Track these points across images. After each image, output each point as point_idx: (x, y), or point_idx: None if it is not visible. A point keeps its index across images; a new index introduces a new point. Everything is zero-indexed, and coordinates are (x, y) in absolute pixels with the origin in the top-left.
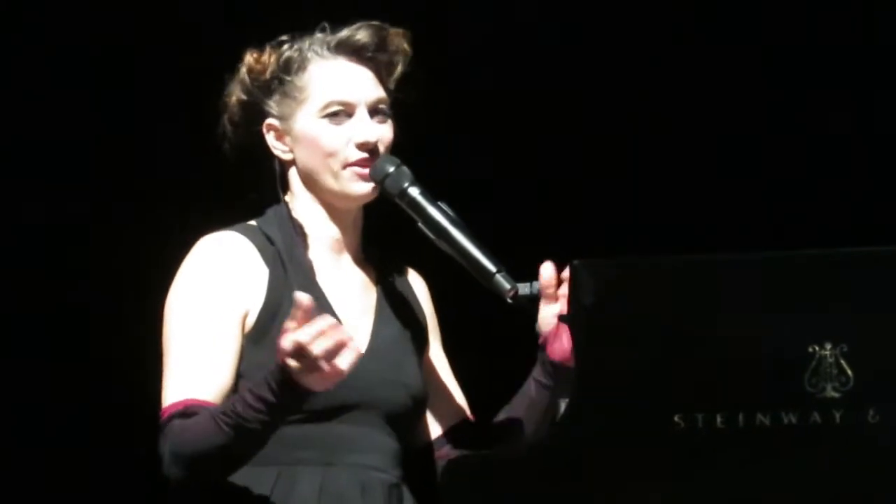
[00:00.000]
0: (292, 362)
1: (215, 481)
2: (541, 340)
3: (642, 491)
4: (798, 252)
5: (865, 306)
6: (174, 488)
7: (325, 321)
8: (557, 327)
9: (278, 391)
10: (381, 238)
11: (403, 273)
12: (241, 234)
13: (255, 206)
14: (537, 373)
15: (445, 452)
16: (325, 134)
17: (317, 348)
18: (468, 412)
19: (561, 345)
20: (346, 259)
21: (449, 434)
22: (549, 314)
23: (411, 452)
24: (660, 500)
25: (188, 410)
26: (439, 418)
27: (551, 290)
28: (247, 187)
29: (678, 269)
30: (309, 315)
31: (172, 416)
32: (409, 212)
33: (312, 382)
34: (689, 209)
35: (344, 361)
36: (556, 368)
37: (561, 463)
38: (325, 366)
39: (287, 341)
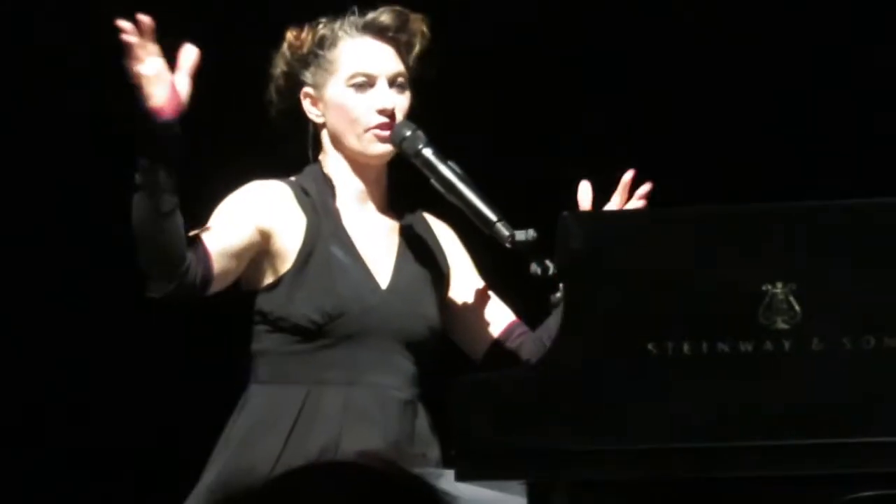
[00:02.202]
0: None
1: (251, 397)
2: None
3: (623, 409)
4: (756, 204)
5: (812, 252)
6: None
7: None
8: None
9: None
10: (411, 193)
11: (426, 221)
12: (282, 182)
13: (296, 164)
14: None
15: (516, 339)
16: (351, 100)
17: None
18: (511, 315)
19: None
20: (371, 208)
21: (510, 328)
22: None
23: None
24: (637, 418)
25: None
26: (496, 322)
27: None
28: (290, 147)
29: (654, 219)
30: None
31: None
32: (423, 170)
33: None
34: (671, 164)
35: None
36: None
37: (552, 385)
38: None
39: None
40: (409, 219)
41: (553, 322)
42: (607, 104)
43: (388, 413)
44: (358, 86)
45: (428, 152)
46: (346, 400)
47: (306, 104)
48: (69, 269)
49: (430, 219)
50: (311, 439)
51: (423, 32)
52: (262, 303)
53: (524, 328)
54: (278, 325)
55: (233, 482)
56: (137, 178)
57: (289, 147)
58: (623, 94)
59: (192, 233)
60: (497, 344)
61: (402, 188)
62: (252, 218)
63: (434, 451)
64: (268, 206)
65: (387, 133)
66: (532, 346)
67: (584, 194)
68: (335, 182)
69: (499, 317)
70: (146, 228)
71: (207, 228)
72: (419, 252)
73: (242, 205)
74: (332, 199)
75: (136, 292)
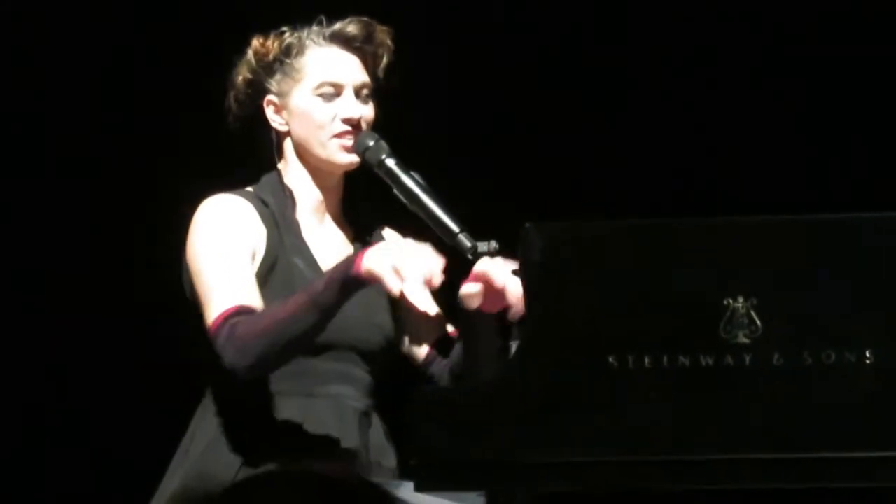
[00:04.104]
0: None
1: (209, 408)
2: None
3: (583, 422)
4: (718, 218)
5: (773, 266)
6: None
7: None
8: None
9: (352, 284)
10: (364, 203)
11: (378, 230)
12: (241, 197)
13: (252, 174)
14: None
15: (434, 363)
16: (317, 109)
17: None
18: (450, 327)
19: None
20: (328, 218)
21: (435, 348)
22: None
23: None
24: (598, 430)
25: (242, 310)
26: (426, 336)
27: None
28: (247, 156)
29: (616, 232)
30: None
31: (228, 318)
32: (386, 179)
33: (376, 264)
34: (641, 174)
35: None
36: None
37: (512, 396)
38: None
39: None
40: (363, 230)
41: (456, 354)
42: (567, 116)
43: (345, 423)
44: (324, 95)
45: (391, 162)
46: (304, 411)
47: (269, 112)
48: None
49: (385, 231)
50: (271, 448)
51: (388, 45)
52: None
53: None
54: None
55: (194, 490)
56: (323, 298)
57: (248, 155)
58: (584, 103)
59: (232, 309)
60: (429, 358)
61: (363, 197)
62: (244, 245)
63: (390, 461)
64: (245, 226)
65: (351, 143)
66: (446, 371)
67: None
68: (295, 192)
69: (434, 326)
70: (302, 342)
71: (238, 292)
72: None
73: (229, 235)
74: (292, 210)
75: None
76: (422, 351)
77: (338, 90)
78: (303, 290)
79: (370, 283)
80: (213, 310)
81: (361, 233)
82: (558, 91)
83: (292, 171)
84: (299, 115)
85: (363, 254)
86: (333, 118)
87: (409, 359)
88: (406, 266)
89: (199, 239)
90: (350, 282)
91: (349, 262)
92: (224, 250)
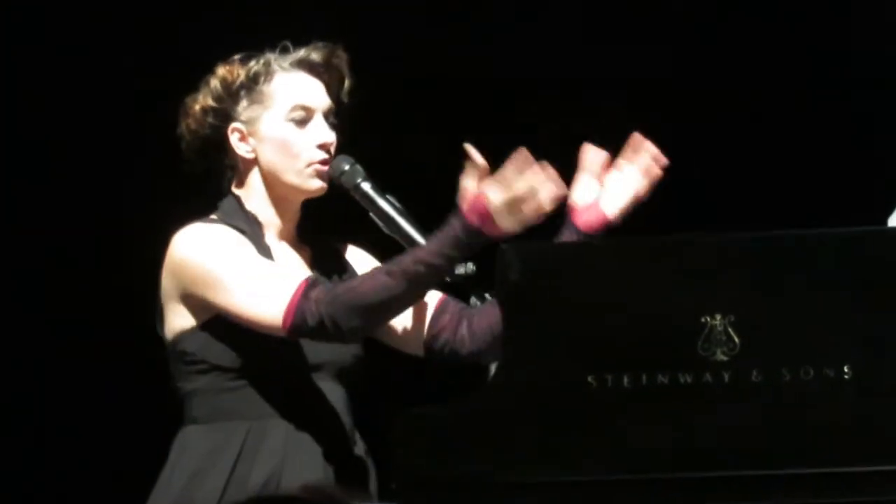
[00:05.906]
0: (496, 199)
1: (189, 438)
2: (571, 209)
3: (562, 441)
4: (694, 235)
5: (750, 284)
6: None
7: (522, 156)
8: (593, 203)
9: (466, 241)
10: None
11: (333, 247)
12: (218, 224)
13: (208, 201)
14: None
15: (440, 336)
16: (291, 135)
17: (523, 185)
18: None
19: (590, 216)
20: (286, 243)
21: (437, 313)
22: (586, 188)
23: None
24: (578, 449)
25: (315, 281)
26: (422, 307)
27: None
28: (202, 184)
29: (594, 251)
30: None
31: (308, 289)
32: (362, 203)
33: (510, 223)
34: None
35: (546, 196)
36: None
37: (492, 418)
38: (529, 203)
39: (493, 182)
40: (319, 249)
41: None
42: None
43: (327, 443)
44: (297, 120)
45: (366, 186)
46: (287, 434)
47: (234, 139)
48: None
49: (338, 244)
50: (254, 473)
51: (345, 71)
52: (190, 343)
53: (458, 303)
54: (213, 364)
55: None
56: (447, 252)
57: (203, 184)
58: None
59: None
60: (434, 323)
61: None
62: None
63: (372, 480)
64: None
65: (325, 168)
66: (479, 316)
67: (592, 157)
68: (259, 219)
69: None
70: (419, 292)
71: (294, 272)
72: (332, 280)
73: (238, 244)
74: (262, 235)
75: None
76: (417, 334)
77: (309, 114)
78: (409, 254)
79: (491, 233)
80: (279, 297)
81: (318, 252)
82: (548, 100)
83: (255, 198)
84: (271, 142)
85: (475, 205)
86: (309, 144)
87: (410, 349)
88: (526, 193)
89: (210, 258)
90: (467, 235)
91: (463, 219)
92: (246, 254)
